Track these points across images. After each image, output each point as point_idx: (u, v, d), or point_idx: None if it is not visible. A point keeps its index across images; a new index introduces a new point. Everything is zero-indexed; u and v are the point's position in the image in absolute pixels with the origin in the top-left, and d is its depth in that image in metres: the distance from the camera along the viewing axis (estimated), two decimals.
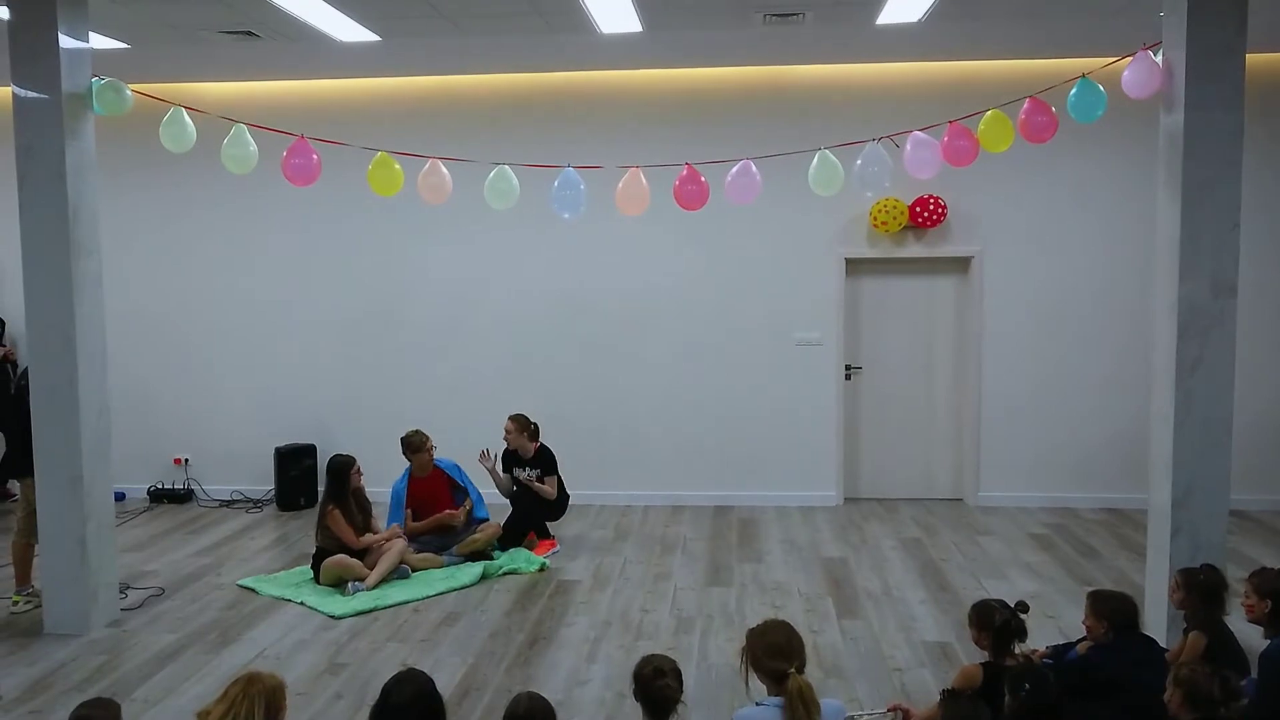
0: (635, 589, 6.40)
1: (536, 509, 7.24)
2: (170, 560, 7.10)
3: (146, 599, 6.20)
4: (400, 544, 6.62)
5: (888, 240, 8.29)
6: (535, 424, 7.34)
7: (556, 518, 7.44)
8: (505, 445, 7.32)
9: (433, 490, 7.12)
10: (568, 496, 7.46)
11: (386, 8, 6.30)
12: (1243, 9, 4.91)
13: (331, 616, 5.89)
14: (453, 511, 7.06)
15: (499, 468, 7.36)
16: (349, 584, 6.22)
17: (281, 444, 8.63)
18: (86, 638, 5.57)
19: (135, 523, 8.14)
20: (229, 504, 8.74)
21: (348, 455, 6.66)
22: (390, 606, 6.06)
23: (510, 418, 7.28)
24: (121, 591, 6.10)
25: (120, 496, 8.51)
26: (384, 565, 6.40)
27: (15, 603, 6.04)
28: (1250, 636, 4.43)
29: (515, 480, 7.29)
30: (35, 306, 5.58)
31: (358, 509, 6.60)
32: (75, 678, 5.04)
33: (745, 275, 8.42)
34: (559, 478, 7.37)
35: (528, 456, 7.28)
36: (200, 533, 7.86)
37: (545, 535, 7.31)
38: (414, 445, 7.05)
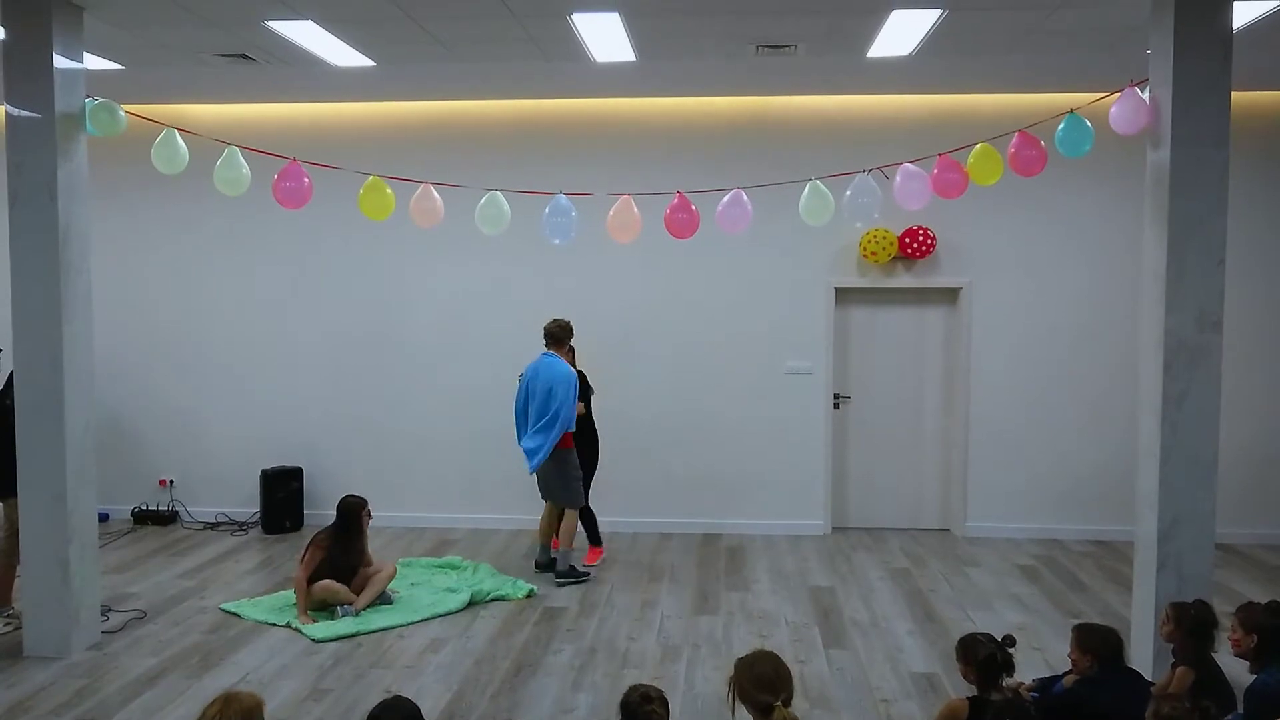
0: (622, 617, 6.37)
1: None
2: (153, 583, 7.04)
3: (128, 622, 6.14)
4: (390, 568, 6.58)
5: (877, 270, 8.33)
6: (573, 348, 7.44)
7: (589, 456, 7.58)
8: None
9: None
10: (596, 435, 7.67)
11: (382, 34, 6.34)
12: (1228, 47, 4.99)
13: (312, 640, 5.84)
14: None
15: None
16: (339, 608, 6.17)
17: (268, 466, 8.59)
18: (67, 660, 5.51)
19: (118, 544, 8.07)
20: (214, 526, 8.68)
21: (359, 497, 6.54)
22: (375, 632, 6.02)
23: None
24: (103, 614, 6.04)
25: (104, 517, 8.46)
26: (372, 590, 6.35)
27: None
28: (1236, 671, 4.43)
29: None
30: (24, 326, 5.56)
31: (344, 550, 6.36)
32: (54, 701, 4.98)
33: (735, 304, 8.44)
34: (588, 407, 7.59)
35: None
36: (184, 555, 7.80)
37: (596, 543, 7.65)
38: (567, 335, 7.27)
